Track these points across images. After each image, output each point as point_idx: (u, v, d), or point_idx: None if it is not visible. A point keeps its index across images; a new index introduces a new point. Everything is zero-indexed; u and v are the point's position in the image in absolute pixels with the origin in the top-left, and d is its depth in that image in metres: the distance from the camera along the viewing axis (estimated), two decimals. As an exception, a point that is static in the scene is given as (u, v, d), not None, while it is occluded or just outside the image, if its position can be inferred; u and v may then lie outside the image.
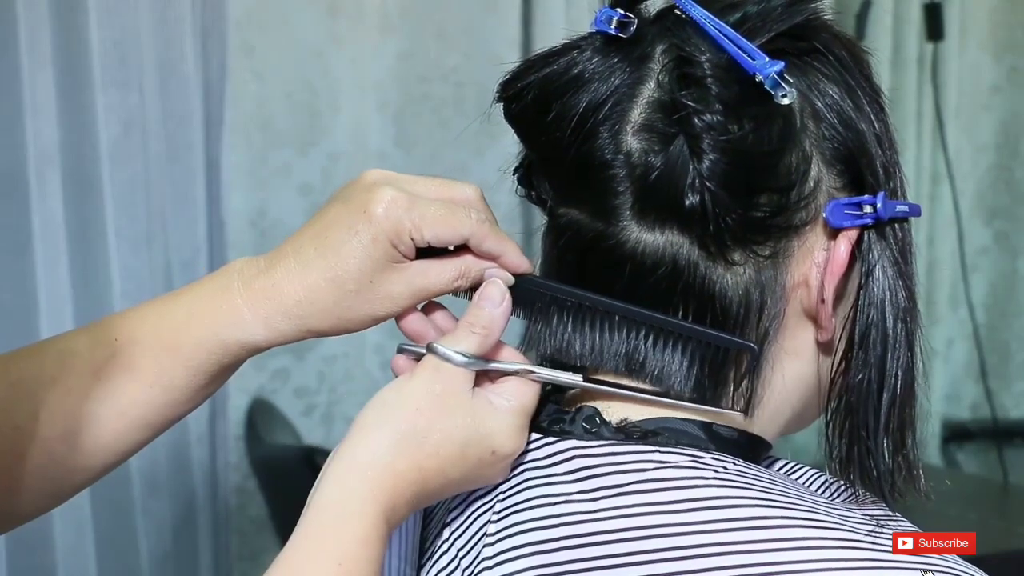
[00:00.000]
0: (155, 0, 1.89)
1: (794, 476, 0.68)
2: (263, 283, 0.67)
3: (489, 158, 2.08)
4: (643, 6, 0.64)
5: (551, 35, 2.16)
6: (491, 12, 2.17)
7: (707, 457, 0.61)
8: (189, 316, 0.68)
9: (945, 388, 2.66)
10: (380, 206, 0.63)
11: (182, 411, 0.72)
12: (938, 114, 2.30)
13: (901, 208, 0.64)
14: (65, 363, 0.70)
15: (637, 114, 0.61)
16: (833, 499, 0.65)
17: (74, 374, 0.69)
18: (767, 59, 0.59)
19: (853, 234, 0.63)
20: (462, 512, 0.66)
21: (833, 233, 0.63)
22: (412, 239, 0.63)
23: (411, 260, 0.64)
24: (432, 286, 0.65)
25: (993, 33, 2.65)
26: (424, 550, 0.67)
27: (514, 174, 0.68)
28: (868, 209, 0.63)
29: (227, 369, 0.70)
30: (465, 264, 0.64)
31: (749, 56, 0.60)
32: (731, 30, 0.61)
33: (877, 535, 0.59)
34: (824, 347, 0.65)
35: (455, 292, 0.66)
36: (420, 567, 0.67)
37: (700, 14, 0.62)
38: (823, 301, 0.63)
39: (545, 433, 0.65)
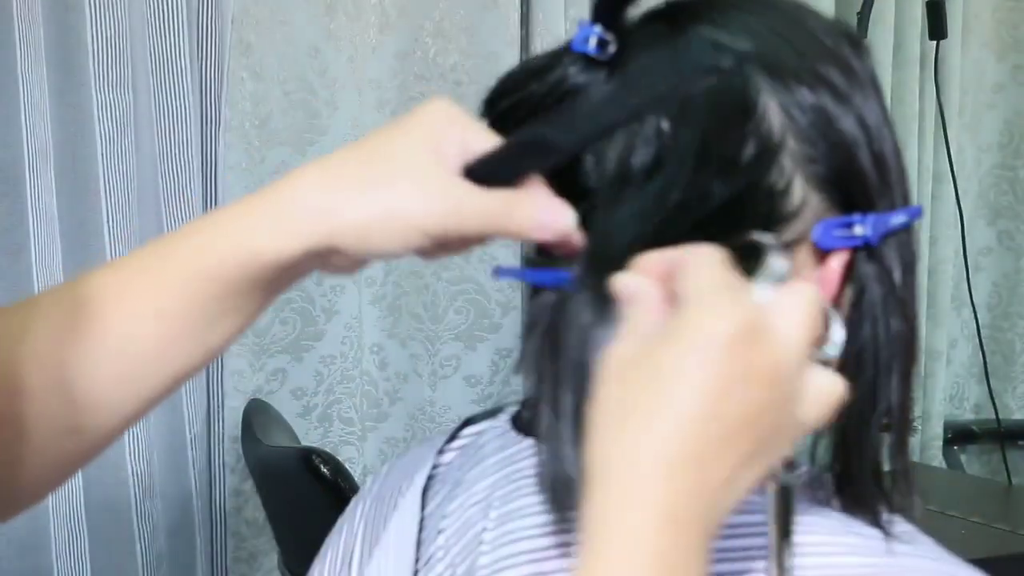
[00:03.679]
0: (151, -2, 1.89)
1: None
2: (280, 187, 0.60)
3: (488, 157, 2.07)
4: (626, 15, 0.62)
5: (550, 34, 2.16)
6: (490, 10, 2.17)
7: None
8: (185, 235, 0.61)
9: (948, 389, 2.65)
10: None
11: (188, 352, 0.60)
12: (941, 113, 2.29)
13: (897, 220, 0.61)
14: (49, 311, 0.61)
15: (620, 138, 0.59)
16: (831, 501, 0.64)
17: (60, 317, 0.60)
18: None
19: (845, 254, 0.61)
20: (458, 517, 0.65)
21: (825, 253, 0.61)
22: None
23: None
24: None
25: (996, 31, 2.64)
26: (418, 556, 0.66)
27: None
28: (859, 230, 0.60)
29: (234, 295, 0.59)
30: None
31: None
32: None
33: (876, 537, 0.59)
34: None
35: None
36: (415, 573, 0.66)
37: None
38: None
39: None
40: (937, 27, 2.23)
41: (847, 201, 0.61)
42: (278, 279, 0.60)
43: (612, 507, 0.49)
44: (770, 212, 0.59)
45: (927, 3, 2.26)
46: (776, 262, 0.55)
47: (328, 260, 0.60)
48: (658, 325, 0.51)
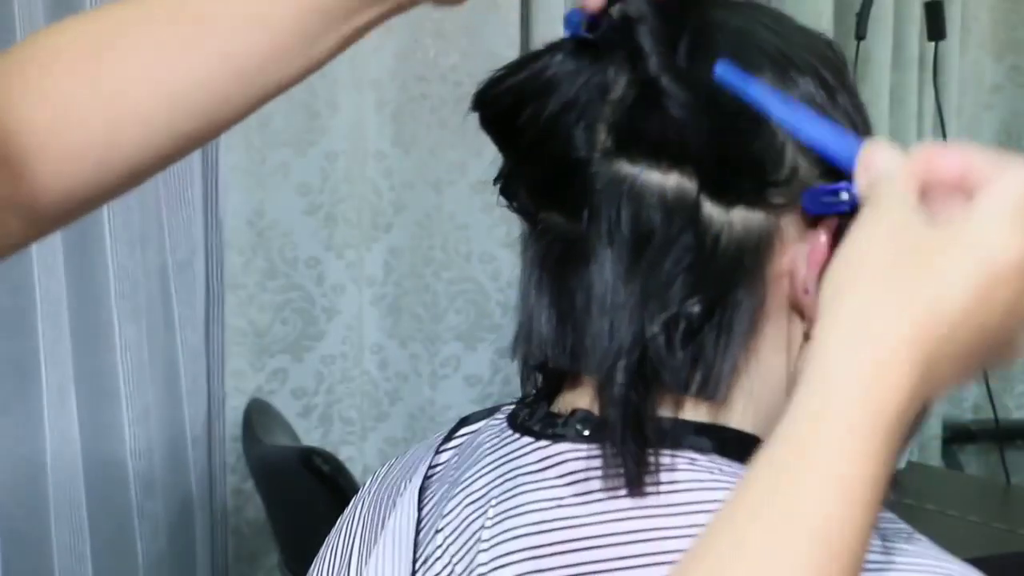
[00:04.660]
0: None
1: None
2: None
3: (488, 157, 2.07)
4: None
5: (550, 34, 2.16)
6: (490, 11, 2.17)
7: (703, 459, 0.61)
8: None
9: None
10: None
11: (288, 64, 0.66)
12: (939, 113, 2.29)
13: None
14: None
15: (609, 112, 0.61)
16: None
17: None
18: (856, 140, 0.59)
19: (833, 222, 0.62)
20: (455, 516, 0.65)
21: (813, 222, 0.63)
22: None
23: None
24: None
25: (994, 32, 2.65)
26: (417, 556, 0.67)
27: (495, 184, 0.68)
28: (845, 196, 0.61)
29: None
30: None
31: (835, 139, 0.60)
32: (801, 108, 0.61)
33: (872, 536, 0.57)
34: (809, 339, 0.63)
35: None
36: (414, 572, 0.66)
37: (756, 93, 0.61)
38: (806, 291, 0.63)
39: (538, 437, 0.64)
40: (936, 28, 2.23)
41: (834, 169, 0.62)
42: None
43: (847, 367, 0.50)
44: (763, 175, 0.61)
45: (926, 4, 2.27)
46: None
47: None
48: (917, 211, 0.52)
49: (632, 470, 0.59)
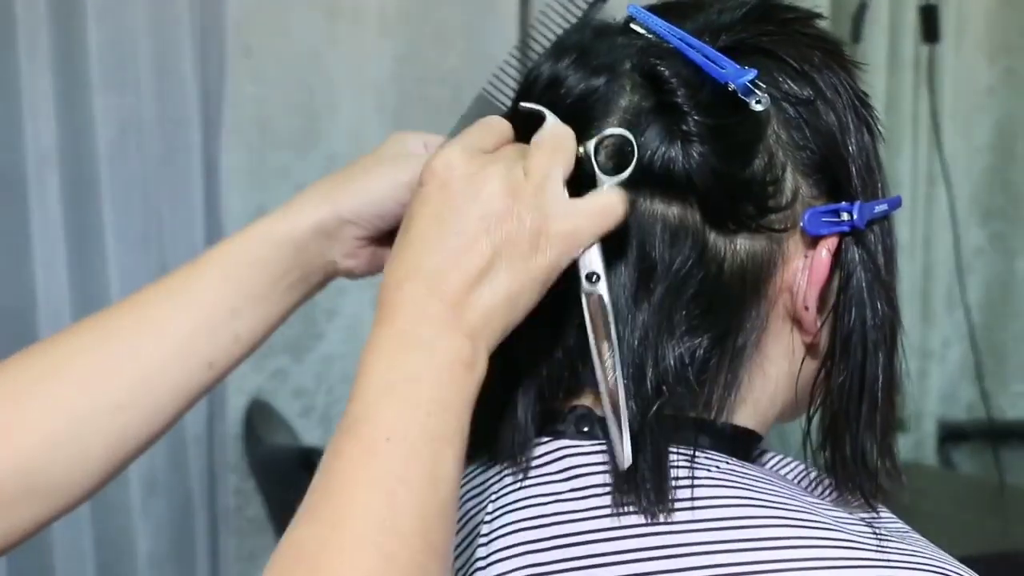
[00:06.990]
0: (153, 1, 1.90)
1: (784, 471, 0.69)
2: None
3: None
4: (612, 18, 0.65)
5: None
6: (489, 14, 2.18)
7: (700, 456, 0.62)
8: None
9: (941, 389, 2.66)
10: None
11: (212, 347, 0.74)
12: (934, 116, 2.30)
13: (880, 208, 0.64)
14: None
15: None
16: (823, 496, 0.66)
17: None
18: (737, 67, 0.59)
19: (833, 241, 0.63)
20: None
21: (814, 240, 0.63)
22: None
23: None
24: None
25: (988, 35, 2.66)
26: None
27: None
28: (845, 216, 0.63)
29: (259, 279, 0.74)
30: None
31: (718, 65, 0.59)
32: (695, 39, 0.61)
33: (867, 534, 0.60)
34: (809, 349, 0.65)
35: None
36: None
37: (660, 25, 0.62)
38: (806, 308, 0.63)
39: (539, 434, 0.65)
40: (930, 31, 2.25)
41: (834, 189, 0.63)
42: (295, 260, 0.75)
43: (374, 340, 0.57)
44: (764, 202, 0.61)
45: (920, 7, 2.28)
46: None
47: (338, 236, 0.75)
48: None
49: (651, 505, 0.60)
